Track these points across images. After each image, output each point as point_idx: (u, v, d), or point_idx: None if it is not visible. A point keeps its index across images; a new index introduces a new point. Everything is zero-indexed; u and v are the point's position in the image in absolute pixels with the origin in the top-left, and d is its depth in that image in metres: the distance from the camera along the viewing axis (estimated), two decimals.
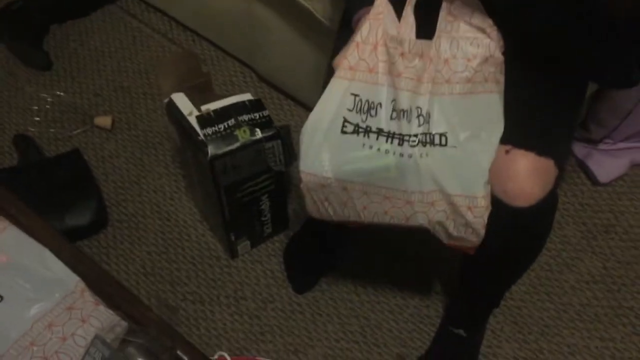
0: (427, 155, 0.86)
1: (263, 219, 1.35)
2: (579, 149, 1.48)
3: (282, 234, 1.43)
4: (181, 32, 1.78)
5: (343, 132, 0.89)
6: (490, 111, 0.86)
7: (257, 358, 1.04)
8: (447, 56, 0.85)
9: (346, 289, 1.34)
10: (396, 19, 0.87)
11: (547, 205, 0.89)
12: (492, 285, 1.10)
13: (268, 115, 1.18)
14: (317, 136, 0.90)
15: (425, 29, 0.87)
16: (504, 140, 0.88)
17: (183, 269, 1.38)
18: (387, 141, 0.87)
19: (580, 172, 1.49)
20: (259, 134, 1.16)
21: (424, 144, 0.86)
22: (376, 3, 0.87)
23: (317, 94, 0.93)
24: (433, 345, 1.26)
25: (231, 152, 1.14)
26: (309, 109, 1.61)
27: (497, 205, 0.88)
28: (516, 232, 0.92)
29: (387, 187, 0.88)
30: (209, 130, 1.14)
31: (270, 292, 1.35)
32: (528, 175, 0.86)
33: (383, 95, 0.88)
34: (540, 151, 0.87)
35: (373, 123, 0.88)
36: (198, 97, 1.20)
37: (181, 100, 1.20)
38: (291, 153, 1.24)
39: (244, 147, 1.15)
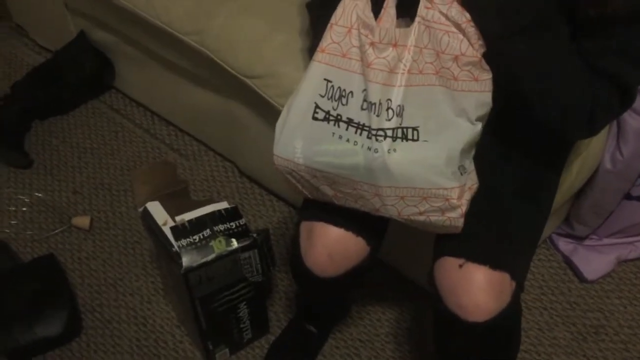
0: (395, 150, 0.82)
1: (242, 325, 1.31)
2: (564, 245, 1.46)
3: (262, 339, 1.38)
4: (164, 127, 1.79)
5: (314, 118, 0.86)
6: (457, 107, 0.82)
7: None
8: (422, 45, 0.81)
9: None
10: (370, 3, 0.84)
11: (505, 319, 0.87)
12: None
13: (245, 224, 1.16)
14: (291, 120, 0.88)
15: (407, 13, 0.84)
16: (457, 252, 0.86)
17: None
18: (356, 132, 0.84)
19: (567, 269, 1.46)
20: (234, 244, 1.13)
21: (394, 138, 0.82)
22: None
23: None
24: None
25: (206, 263, 1.11)
26: (290, 204, 1.61)
27: (453, 320, 0.86)
28: (476, 346, 0.90)
29: (356, 180, 0.86)
30: (184, 242, 1.11)
31: None
32: (482, 290, 0.84)
33: (355, 84, 0.84)
34: (495, 265, 0.85)
35: (343, 112, 0.85)
36: (174, 205, 1.19)
37: (156, 209, 1.18)
38: (270, 259, 1.21)
39: (219, 258, 1.12)
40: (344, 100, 0.85)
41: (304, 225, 1.00)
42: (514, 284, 0.88)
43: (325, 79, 0.86)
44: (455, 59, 0.80)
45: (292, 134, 0.88)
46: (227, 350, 1.33)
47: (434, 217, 0.85)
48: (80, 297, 1.45)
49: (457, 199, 0.83)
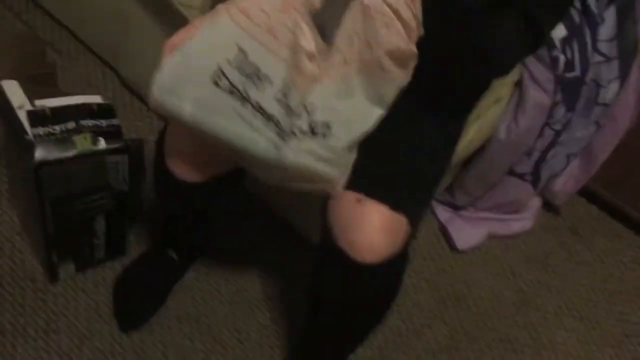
0: (298, 149, 0.73)
1: (95, 241, 1.17)
2: (442, 213, 1.46)
3: (116, 261, 1.25)
4: (38, 15, 1.56)
5: (216, 84, 0.72)
6: (376, 95, 0.74)
7: None
8: (354, 33, 0.70)
9: (179, 332, 1.19)
10: None
11: (395, 264, 0.83)
12: (334, 345, 1.02)
13: (118, 125, 1.02)
14: (183, 73, 0.73)
15: None
16: (356, 185, 0.80)
17: None
18: (263, 122, 0.73)
19: (441, 236, 1.47)
20: (102, 144, 0.99)
21: (302, 136, 0.73)
22: None
23: None
24: None
25: (64, 160, 0.97)
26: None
27: (340, 257, 0.80)
28: (359, 288, 0.85)
29: (244, 157, 0.76)
30: (41, 130, 0.95)
31: (90, 328, 1.16)
32: (378, 229, 0.79)
33: (277, 71, 0.71)
34: (395, 205, 0.80)
35: (254, 95, 0.72)
36: (36, 90, 1.02)
37: (13, 89, 1.01)
38: (140, 172, 1.09)
39: (81, 156, 0.98)
40: (257, 83, 0.72)
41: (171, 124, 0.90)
42: (410, 229, 0.83)
43: (238, 46, 0.71)
44: (389, 52, 0.71)
45: (183, 89, 0.74)
46: (72, 265, 1.19)
47: (316, 190, 0.80)
48: None
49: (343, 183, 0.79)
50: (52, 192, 1.00)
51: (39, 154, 0.95)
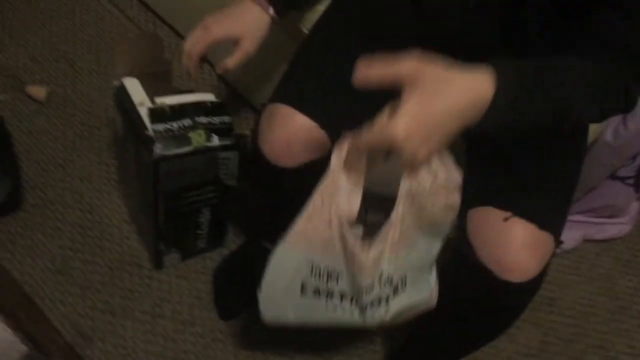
0: (389, 308, 0.84)
1: (199, 231, 1.22)
2: None
3: (216, 252, 1.30)
4: (142, 12, 1.63)
5: (303, 294, 0.85)
6: (436, 237, 0.84)
7: None
8: (407, 215, 0.77)
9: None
10: (352, 190, 0.76)
11: (537, 283, 0.82)
12: (450, 352, 1.02)
13: (230, 123, 1.06)
14: (276, 297, 0.86)
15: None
16: (504, 204, 0.80)
17: (98, 272, 1.23)
18: (351, 303, 0.84)
19: None
20: (216, 140, 1.03)
21: (388, 300, 0.83)
22: (330, 173, 0.75)
23: None
24: None
25: (181, 155, 1.01)
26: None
27: (484, 275, 0.80)
28: (497, 306, 0.84)
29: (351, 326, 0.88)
30: (160, 127, 1.00)
31: (192, 314, 1.22)
32: (526, 248, 0.78)
33: (342, 265, 0.81)
34: (542, 224, 0.79)
35: (335, 287, 0.83)
36: (154, 86, 1.07)
37: (134, 87, 1.06)
38: (243, 166, 1.12)
39: (196, 152, 1.02)
40: (333, 278, 0.83)
41: (268, 108, 0.91)
42: (554, 247, 0.83)
43: (309, 262, 0.82)
44: (438, 213, 0.78)
45: (281, 307, 0.87)
46: (178, 254, 1.25)
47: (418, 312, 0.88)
48: (24, 171, 1.32)
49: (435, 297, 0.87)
50: (167, 185, 1.05)
51: (158, 149, 1.00)
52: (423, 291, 0.87)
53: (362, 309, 0.84)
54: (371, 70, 0.62)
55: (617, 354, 1.31)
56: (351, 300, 0.84)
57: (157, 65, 1.09)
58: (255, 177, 1.10)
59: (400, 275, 0.82)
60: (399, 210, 0.76)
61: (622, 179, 1.29)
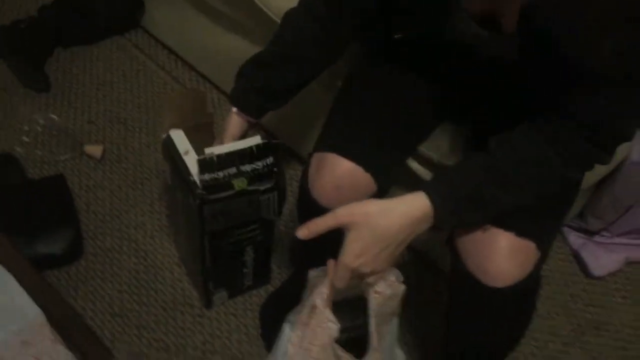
0: None
1: (245, 270, 1.29)
2: (575, 239, 1.45)
3: (262, 289, 1.36)
4: (186, 72, 1.77)
5: None
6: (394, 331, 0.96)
7: None
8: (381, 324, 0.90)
9: None
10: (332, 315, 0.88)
11: (527, 288, 0.86)
12: None
13: (272, 164, 1.13)
14: None
15: None
16: None
17: (153, 313, 1.31)
18: None
19: (575, 262, 1.45)
20: (257, 186, 1.11)
21: None
22: (316, 312, 0.89)
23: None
24: None
25: (224, 198, 1.09)
26: (303, 160, 1.59)
27: (472, 283, 0.85)
28: (492, 311, 0.89)
29: None
30: (207, 177, 1.08)
31: (241, 349, 1.27)
32: (506, 256, 0.83)
33: None
34: (520, 232, 0.84)
35: None
36: (197, 137, 1.16)
37: (179, 138, 1.16)
38: (283, 198, 1.19)
39: (238, 195, 1.10)
40: None
41: (315, 156, 1.00)
42: (538, 254, 0.86)
43: None
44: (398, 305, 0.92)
45: None
46: (226, 293, 1.32)
47: None
48: (84, 223, 1.43)
49: None
50: (212, 225, 1.13)
51: (203, 193, 1.08)
52: None
53: None
54: (312, 229, 0.82)
55: None
56: None
57: (200, 118, 1.19)
58: (303, 217, 1.17)
59: None
60: (372, 322, 0.89)
61: None
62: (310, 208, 0.99)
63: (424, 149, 1.12)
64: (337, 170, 0.96)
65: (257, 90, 1.06)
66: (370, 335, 0.93)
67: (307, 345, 0.93)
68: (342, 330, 1.01)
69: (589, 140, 0.75)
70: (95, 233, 1.42)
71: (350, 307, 0.97)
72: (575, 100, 0.73)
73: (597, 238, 1.43)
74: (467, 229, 0.86)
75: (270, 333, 1.29)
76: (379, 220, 0.79)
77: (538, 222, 0.86)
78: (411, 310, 1.33)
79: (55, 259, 1.32)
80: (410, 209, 0.79)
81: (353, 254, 0.80)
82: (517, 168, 0.78)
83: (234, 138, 1.10)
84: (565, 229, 1.47)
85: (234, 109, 1.09)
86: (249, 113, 1.09)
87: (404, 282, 0.93)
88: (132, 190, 1.50)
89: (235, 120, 1.09)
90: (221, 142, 1.10)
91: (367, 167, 0.96)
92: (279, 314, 1.31)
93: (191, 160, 1.12)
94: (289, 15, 1.03)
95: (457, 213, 0.79)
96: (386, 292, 0.91)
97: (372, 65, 1.04)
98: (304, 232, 0.83)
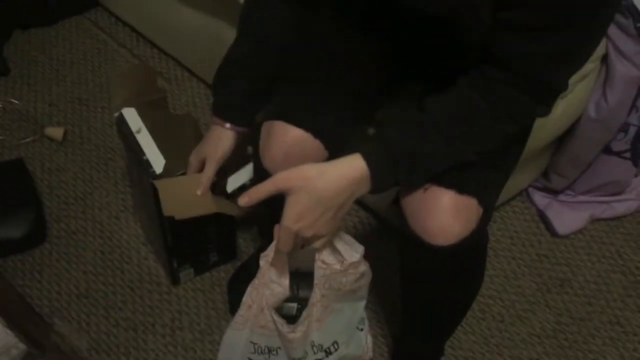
0: None
1: (209, 246, 1.29)
2: (540, 199, 1.45)
3: (229, 264, 1.36)
4: (148, 49, 1.74)
5: None
6: (356, 299, 1.00)
7: None
8: (326, 293, 0.93)
9: None
10: (281, 279, 0.94)
11: (472, 245, 0.86)
12: (430, 330, 1.05)
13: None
14: None
15: None
16: None
17: (119, 292, 1.31)
18: None
19: (540, 222, 1.46)
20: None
21: None
22: (260, 272, 0.94)
23: None
24: None
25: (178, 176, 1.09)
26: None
27: (417, 243, 0.85)
28: (440, 271, 0.89)
29: None
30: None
31: (210, 324, 1.28)
32: (447, 213, 0.83)
33: (278, 342, 0.99)
34: (460, 189, 0.83)
35: (276, 359, 1.02)
36: (150, 114, 1.15)
37: (131, 116, 1.15)
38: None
39: None
40: (274, 352, 1.01)
41: (265, 125, 0.99)
42: (480, 210, 0.86)
43: (251, 342, 1.00)
44: (353, 283, 0.94)
45: None
46: (192, 270, 1.32)
47: None
48: (47, 207, 1.42)
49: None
50: None
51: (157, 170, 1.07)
52: (356, 348, 1.06)
53: None
54: (252, 196, 0.82)
55: (634, 328, 1.30)
56: None
57: (152, 94, 1.17)
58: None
59: (331, 341, 1.01)
60: (317, 291, 0.93)
61: (618, 154, 1.30)
62: (264, 178, 0.99)
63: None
64: (286, 138, 0.95)
65: (242, 97, 1.01)
66: (310, 305, 0.95)
67: (249, 302, 0.96)
68: (292, 299, 1.02)
69: (524, 92, 0.74)
70: (59, 216, 1.41)
71: (308, 281, 0.98)
72: (507, 50, 0.72)
73: (561, 197, 1.44)
74: (409, 190, 0.85)
75: (237, 306, 1.30)
76: (317, 183, 0.78)
77: (480, 179, 0.86)
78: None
79: (17, 243, 1.31)
80: (347, 170, 0.78)
81: (293, 217, 0.80)
82: (452, 123, 0.77)
83: (215, 160, 1.04)
84: (530, 190, 1.47)
85: (227, 125, 1.03)
86: (241, 124, 1.04)
87: (366, 263, 0.94)
88: (95, 172, 1.49)
89: (227, 135, 1.03)
90: (205, 175, 1.05)
91: (316, 134, 0.95)
92: (245, 288, 1.32)
93: (144, 139, 1.11)
94: (249, 7, 0.98)
95: (394, 173, 0.79)
96: (334, 265, 0.92)
97: (317, 31, 1.02)
98: (245, 199, 0.82)
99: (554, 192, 1.45)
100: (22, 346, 0.69)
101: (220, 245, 1.30)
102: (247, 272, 1.32)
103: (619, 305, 1.33)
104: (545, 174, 1.44)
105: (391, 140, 0.79)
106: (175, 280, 1.32)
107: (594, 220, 1.45)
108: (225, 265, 1.36)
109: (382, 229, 1.42)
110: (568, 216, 1.42)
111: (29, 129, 1.55)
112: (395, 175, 0.80)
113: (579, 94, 1.16)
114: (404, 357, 1.16)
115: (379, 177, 0.78)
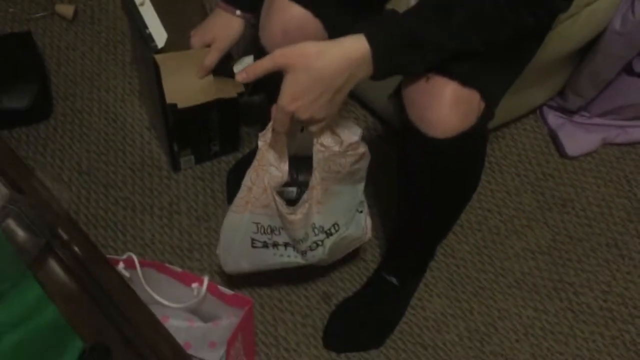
0: (326, 248, 1.03)
1: (211, 133, 1.28)
2: (553, 118, 1.41)
3: (230, 156, 1.36)
4: None
5: (254, 247, 1.03)
6: (356, 180, 1.00)
7: (167, 265, 0.98)
8: (325, 176, 0.93)
9: None
10: (280, 164, 0.93)
11: (470, 140, 0.83)
12: (422, 228, 1.05)
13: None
14: (232, 251, 1.05)
15: None
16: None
17: (120, 173, 1.32)
18: (294, 249, 1.04)
19: (550, 142, 1.42)
20: None
21: (323, 241, 1.02)
22: (259, 153, 0.92)
23: None
24: (363, 288, 1.21)
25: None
26: None
27: (414, 134, 0.83)
28: (435, 165, 0.87)
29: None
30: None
31: (207, 211, 1.29)
32: (447, 105, 0.80)
33: (280, 222, 1.00)
34: (465, 81, 0.80)
35: (279, 239, 1.03)
36: None
37: None
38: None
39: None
40: (276, 232, 1.01)
41: (266, 2, 0.97)
42: (483, 105, 0.83)
43: (254, 222, 1.00)
44: (352, 165, 0.94)
45: (237, 259, 1.07)
46: (192, 157, 1.32)
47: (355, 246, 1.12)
48: (54, 83, 1.41)
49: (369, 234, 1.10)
50: None
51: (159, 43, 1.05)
52: (356, 229, 1.06)
53: (303, 253, 1.04)
54: (250, 72, 0.79)
55: (631, 252, 1.29)
56: (293, 247, 1.04)
57: None
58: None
59: (332, 222, 1.01)
60: (316, 174, 0.93)
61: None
62: (262, 56, 0.96)
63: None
64: (285, 15, 0.92)
65: None
66: (310, 188, 0.94)
67: (249, 184, 0.96)
68: (292, 184, 1.02)
69: None
70: (66, 94, 1.41)
71: (307, 165, 0.97)
72: None
73: (576, 118, 1.40)
74: (412, 79, 0.83)
75: (235, 197, 1.31)
76: (315, 61, 0.76)
77: (486, 72, 0.82)
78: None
79: (22, 114, 1.32)
80: (348, 50, 0.76)
81: (289, 96, 0.78)
82: (462, 5, 0.73)
83: (227, 39, 1.06)
84: (545, 109, 1.43)
85: (238, 12, 1.04)
86: (251, 9, 1.04)
87: (365, 144, 0.93)
88: (104, 53, 1.48)
89: (237, 22, 1.05)
90: (215, 48, 1.06)
91: (316, 13, 0.92)
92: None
93: (147, 11, 1.08)
94: None
95: (396, 56, 0.76)
96: (333, 147, 0.90)
97: None
98: (242, 75, 0.81)
99: (569, 113, 1.40)
100: (4, 190, 0.70)
101: (222, 135, 1.30)
102: (248, 165, 1.32)
103: (620, 229, 1.32)
104: (561, 93, 1.39)
105: (397, 22, 0.76)
106: (175, 166, 1.32)
107: (606, 145, 1.41)
108: (227, 157, 1.36)
109: (382, 128, 1.39)
110: (580, 138, 1.39)
111: (40, 4, 1.52)
112: (398, 59, 0.77)
113: (604, 3, 1.09)
114: (396, 256, 1.17)
115: (381, 59, 0.75)
